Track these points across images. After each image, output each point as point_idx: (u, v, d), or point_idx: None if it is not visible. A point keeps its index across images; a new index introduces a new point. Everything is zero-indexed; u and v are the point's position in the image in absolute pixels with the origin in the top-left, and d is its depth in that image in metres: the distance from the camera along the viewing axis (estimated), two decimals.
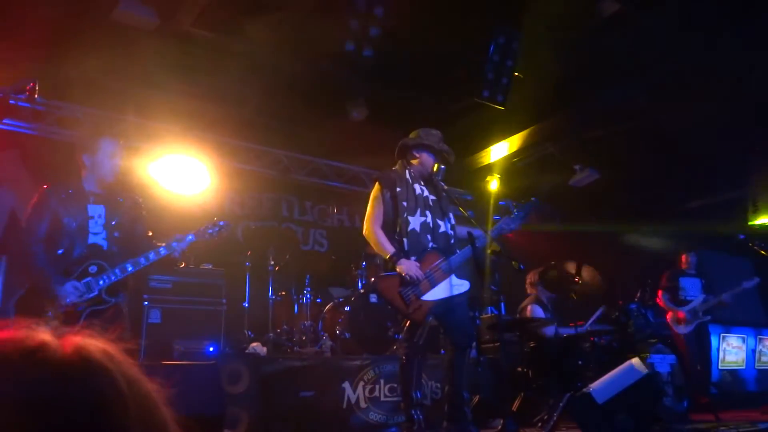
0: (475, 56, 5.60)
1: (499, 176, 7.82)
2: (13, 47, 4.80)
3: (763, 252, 6.30)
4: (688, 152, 7.06)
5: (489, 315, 6.31)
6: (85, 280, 3.34)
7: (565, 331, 5.78)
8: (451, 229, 4.06)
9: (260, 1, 4.86)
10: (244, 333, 5.91)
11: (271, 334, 5.94)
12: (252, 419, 4.29)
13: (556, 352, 5.23)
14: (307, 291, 6.30)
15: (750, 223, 8.83)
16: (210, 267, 5.73)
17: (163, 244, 3.60)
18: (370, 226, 3.95)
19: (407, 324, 3.94)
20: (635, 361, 4.45)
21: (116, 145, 3.58)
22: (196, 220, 3.85)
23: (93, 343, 0.68)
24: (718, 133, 6.59)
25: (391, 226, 3.95)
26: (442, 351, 5.75)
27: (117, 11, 4.78)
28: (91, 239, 3.44)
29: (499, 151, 7.51)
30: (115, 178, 3.60)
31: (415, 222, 3.92)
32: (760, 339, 9.11)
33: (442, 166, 4.09)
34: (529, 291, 6.30)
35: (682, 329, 6.68)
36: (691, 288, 6.86)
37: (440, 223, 4.01)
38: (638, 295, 6.52)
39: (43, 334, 0.66)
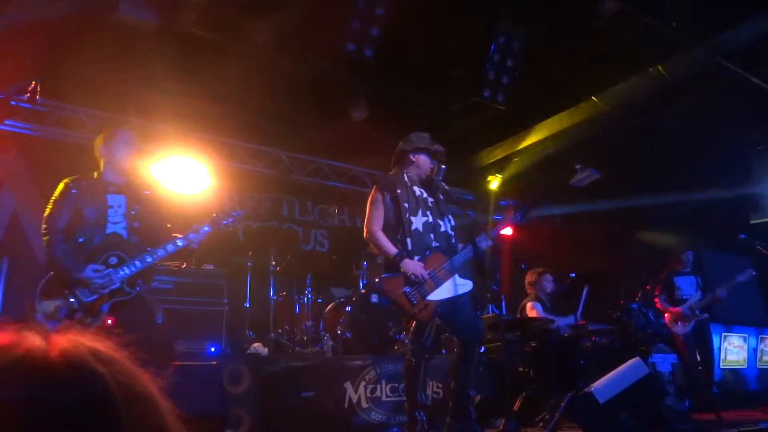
0: (475, 56, 5.60)
1: (499, 176, 7.82)
2: (14, 47, 4.80)
3: (765, 251, 6.28)
4: (688, 151, 7.06)
5: (490, 314, 6.32)
6: (106, 271, 3.36)
7: (564, 322, 5.79)
8: (452, 229, 4.07)
9: (261, 1, 4.87)
10: (246, 333, 5.91)
11: (272, 335, 5.95)
12: (253, 419, 4.29)
13: (558, 352, 5.22)
14: (308, 291, 6.30)
15: (751, 222, 8.81)
16: (211, 267, 5.73)
17: (181, 236, 3.62)
18: (371, 228, 3.95)
19: (413, 325, 3.94)
20: (637, 360, 4.46)
21: (131, 134, 3.73)
22: (198, 221, 3.84)
23: (83, 344, 0.66)
24: (718, 130, 6.59)
25: (393, 228, 3.95)
26: (444, 351, 5.79)
27: (118, 12, 4.79)
28: (111, 228, 3.46)
29: (500, 151, 7.51)
30: (132, 163, 3.68)
31: (417, 222, 3.93)
32: (762, 338, 9.10)
33: (443, 166, 4.11)
34: (528, 291, 6.32)
35: (680, 329, 6.64)
36: (687, 287, 6.84)
37: (441, 223, 4.03)
38: (639, 294, 6.52)
39: (31, 339, 0.65)
